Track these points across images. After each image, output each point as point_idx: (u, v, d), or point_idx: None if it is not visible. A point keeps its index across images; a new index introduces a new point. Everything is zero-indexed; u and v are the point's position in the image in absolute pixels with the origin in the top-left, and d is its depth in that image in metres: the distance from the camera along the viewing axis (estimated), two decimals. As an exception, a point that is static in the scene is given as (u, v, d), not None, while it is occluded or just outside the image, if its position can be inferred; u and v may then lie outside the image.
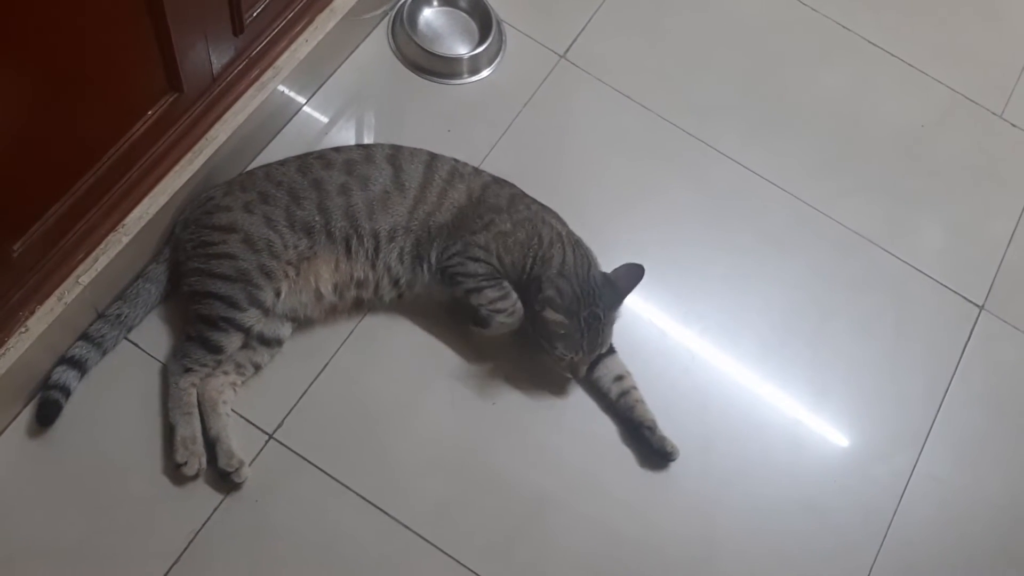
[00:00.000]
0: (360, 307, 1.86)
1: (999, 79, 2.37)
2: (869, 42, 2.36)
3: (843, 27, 2.37)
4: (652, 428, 1.82)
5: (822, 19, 2.37)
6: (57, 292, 1.65)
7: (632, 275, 1.81)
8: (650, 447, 1.83)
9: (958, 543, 1.89)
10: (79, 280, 1.66)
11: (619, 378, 1.85)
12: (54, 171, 1.51)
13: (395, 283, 1.83)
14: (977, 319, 2.08)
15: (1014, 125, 2.32)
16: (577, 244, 1.89)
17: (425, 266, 1.82)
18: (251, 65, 1.85)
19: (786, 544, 1.82)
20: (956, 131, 2.30)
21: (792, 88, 2.29)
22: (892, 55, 2.35)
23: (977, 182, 2.25)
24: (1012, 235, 2.19)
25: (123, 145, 1.60)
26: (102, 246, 1.69)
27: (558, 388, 1.87)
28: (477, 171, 1.92)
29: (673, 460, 1.83)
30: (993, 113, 2.33)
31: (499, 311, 1.79)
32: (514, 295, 1.79)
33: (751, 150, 2.17)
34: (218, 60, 1.74)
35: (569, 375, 1.83)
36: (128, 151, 1.62)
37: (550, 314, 1.74)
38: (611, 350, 1.87)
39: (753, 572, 1.80)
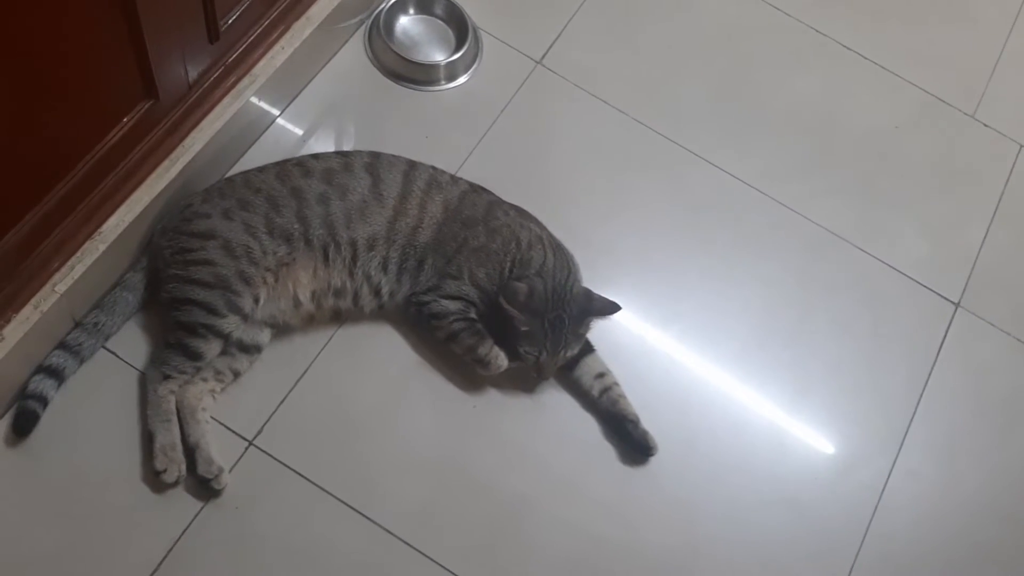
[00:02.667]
0: (338, 318, 1.86)
1: (971, 80, 2.40)
2: (842, 45, 2.39)
3: (816, 31, 2.39)
4: (635, 422, 1.83)
5: (795, 23, 2.40)
6: (33, 300, 1.64)
7: (607, 306, 1.83)
8: (632, 441, 1.83)
9: (938, 538, 1.90)
10: (55, 288, 1.66)
11: (600, 375, 1.86)
12: (29, 178, 1.51)
13: (376, 292, 1.84)
14: (953, 316, 2.10)
15: (986, 125, 2.34)
16: (558, 248, 1.90)
17: (409, 277, 1.82)
18: (227, 73, 1.85)
19: (767, 542, 1.83)
20: (929, 132, 2.32)
21: (767, 91, 2.31)
22: (865, 58, 2.38)
23: (951, 181, 2.27)
24: (986, 233, 2.21)
25: (99, 152, 1.60)
26: (79, 254, 1.68)
27: (538, 389, 1.88)
28: (455, 179, 1.93)
29: (653, 455, 1.83)
30: (965, 114, 2.35)
31: (478, 360, 1.80)
32: (490, 340, 1.80)
33: (727, 153, 2.19)
34: (194, 68, 1.74)
35: (536, 375, 1.84)
36: (104, 158, 1.62)
37: (506, 306, 1.75)
38: (590, 348, 1.88)
39: (734, 570, 1.80)
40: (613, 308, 1.83)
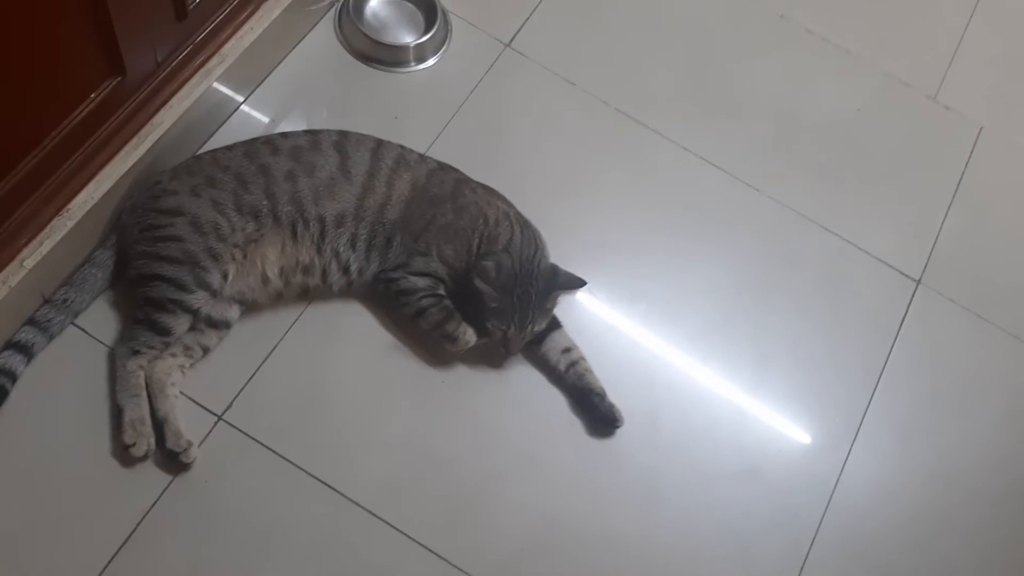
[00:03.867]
0: (307, 295, 1.88)
1: (932, 62, 2.44)
2: (805, 29, 2.42)
3: (779, 16, 2.43)
4: (601, 395, 1.86)
5: (759, 7, 2.43)
6: (1, 275, 1.65)
7: (573, 281, 1.86)
8: (598, 414, 1.86)
9: (898, 511, 1.93)
10: (23, 264, 1.67)
11: (567, 350, 1.89)
12: (-6, 152, 1.52)
13: (344, 270, 1.85)
14: (914, 293, 2.14)
15: (947, 108, 2.39)
16: (526, 225, 1.93)
17: (378, 254, 1.84)
18: (196, 51, 1.86)
19: (730, 513, 1.86)
20: (891, 114, 2.36)
21: (731, 74, 2.34)
22: (827, 40, 2.41)
23: (912, 162, 2.31)
24: (947, 211, 2.25)
25: (66, 127, 1.61)
26: (47, 230, 1.69)
27: (506, 365, 1.90)
28: (423, 157, 1.95)
29: (619, 427, 1.86)
30: (927, 96, 2.39)
31: (446, 336, 1.82)
32: (458, 316, 1.83)
33: (692, 134, 2.22)
34: (161, 46, 1.76)
35: (503, 350, 1.86)
36: (71, 134, 1.63)
37: (480, 284, 1.78)
38: (557, 324, 1.90)
39: (697, 543, 1.83)
40: (579, 283, 1.86)
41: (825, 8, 2.46)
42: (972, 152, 2.34)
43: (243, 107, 2.05)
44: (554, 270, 1.86)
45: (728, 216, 2.15)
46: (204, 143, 1.98)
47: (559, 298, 1.87)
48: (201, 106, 1.89)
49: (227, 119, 2.02)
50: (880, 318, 2.11)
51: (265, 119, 2.06)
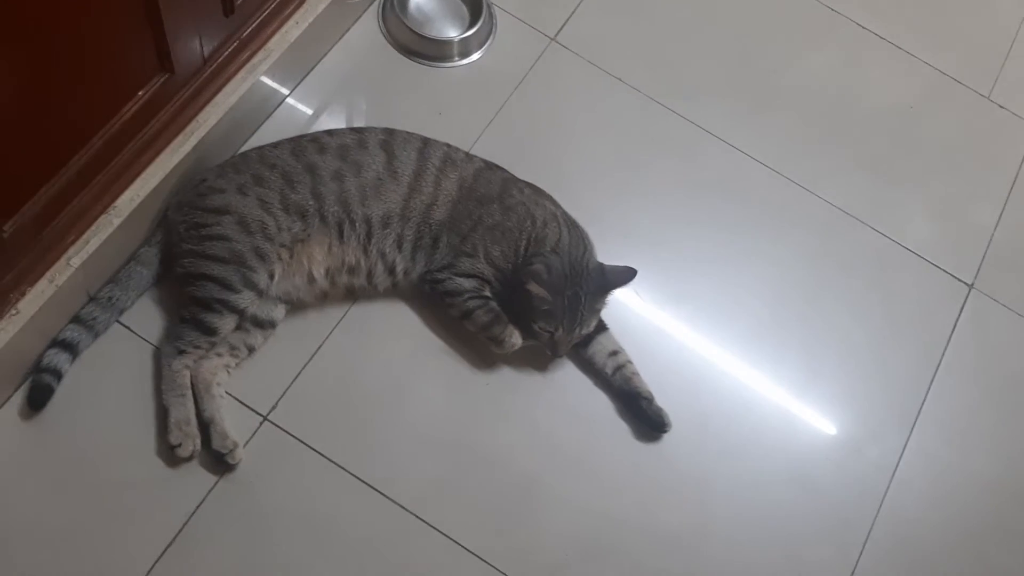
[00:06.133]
0: (352, 295, 1.86)
1: (987, 61, 2.39)
2: (858, 24, 2.37)
3: (832, 9, 2.38)
4: (649, 399, 1.84)
5: (811, 2, 2.38)
6: (48, 274, 1.64)
7: (622, 274, 1.82)
8: (646, 418, 1.84)
9: (950, 518, 1.90)
10: (70, 262, 1.66)
11: (614, 353, 1.86)
12: (44, 151, 1.50)
13: (390, 270, 1.83)
14: (967, 298, 2.10)
15: (1002, 106, 2.34)
16: (573, 225, 1.90)
17: (424, 255, 1.82)
18: (242, 47, 1.84)
19: (779, 520, 1.84)
20: (944, 112, 2.31)
21: (781, 69, 2.30)
22: (880, 37, 2.36)
23: (965, 162, 2.26)
24: (1001, 214, 2.20)
25: (114, 126, 1.60)
26: (93, 228, 1.68)
27: (551, 368, 1.88)
28: (469, 156, 1.92)
29: (667, 431, 1.84)
30: (981, 95, 2.34)
31: (492, 339, 1.80)
32: (504, 318, 1.80)
33: (740, 130, 2.18)
34: (208, 41, 1.73)
35: (550, 352, 1.83)
36: (119, 132, 1.61)
37: (534, 287, 1.75)
38: (603, 327, 1.88)
39: (746, 549, 1.81)
40: (629, 275, 1.82)
41: (877, 3, 2.41)
42: (1027, 152, 2.29)
43: (287, 101, 2.03)
44: (601, 269, 1.83)
45: (777, 215, 2.12)
46: (249, 138, 1.96)
47: (608, 299, 1.84)
48: (246, 102, 1.87)
49: (271, 114, 2.00)
50: (932, 322, 2.07)
51: (309, 111, 2.04)
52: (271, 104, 2.00)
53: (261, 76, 1.88)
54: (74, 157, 1.56)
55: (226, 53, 1.80)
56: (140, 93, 1.62)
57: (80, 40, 1.42)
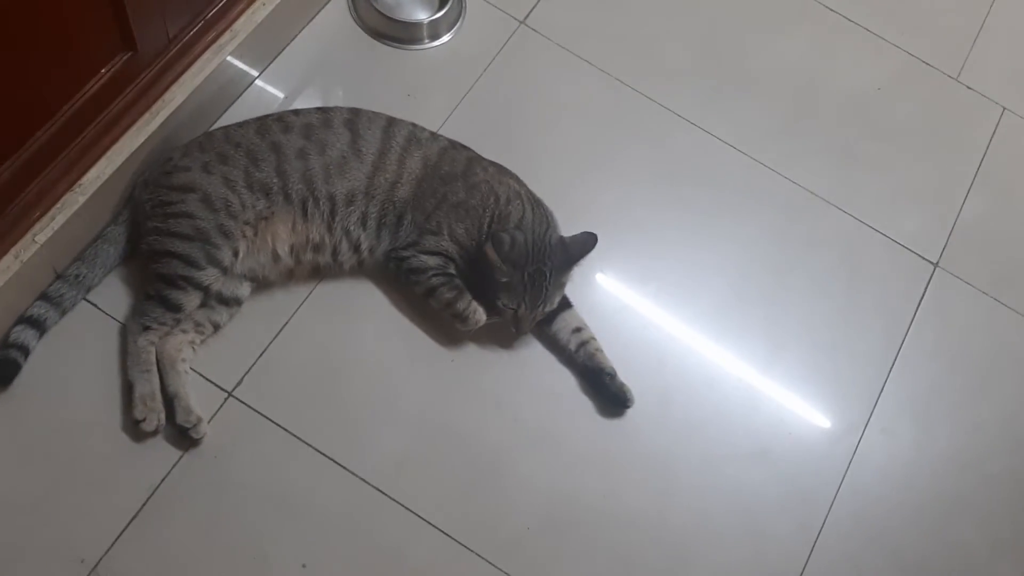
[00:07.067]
0: (318, 273, 1.87)
1: (955, 42, 2.40)
2: (826, 7, 2.39)
3: (801, -8, 2.40)
4: (612, 375, 1.85)
5: (780, -15, 2.40)
6: (13, 250, 1.65)
7: (585, 242, 1.83)
8: (609, 394, 1.85)
9: (911, 495, 1.92)
10: (35, 239, 1.67)
11: (577, 330, 1.88)
12: (5, 126, 1.52)
13: (355, 248, 1.85)
14: (931, 277, 2.11)
15: (969, 88, 2.35)
16: (537, 203, 1.91)
17: (388, 232, 1.84)
18: (207, 27, 1.86)
19: (742, 494, 1.85)
20: (912, 94, 2.33)
21: (750, 53, 2.31)
22: (849, 20, 2.38)
23: (933, 143, 2.28)
24: (967, 194, 2.22)
25: (77, 102, 1.61)
26: (58, 205, 1.70)
27: (516, 344, 1.89)
28: (434, 136, 1.94)
29: (629, 406, 1.86)
30: (949, 76, 2.36)
31: (456, 315, 1.82)
32: (468, 295, 1.82)
33: (709, 113, 2.20)
34: (173, 20, 1.75)
35: (514, 329, 1.85)
36: (82, 109, 1.63)
37: (491, 253, 1.77)
38: (567, 304, 1.89)
39: (708, 524, 1.82)
40: (591, 241, 1.82)
41: (846, -14, 2.42)
42: (994, 134, 2.30)
43: (256, 83, 2.04)
44: (562, 242, 1.84)
45: (744, 196, 2.13)
46: (218, 118, 1.98)
47: (571, 274, 1.85)
48: (214, 82, 1.89)
49: (240, 95, 2.02)
50: (897, 301, 2.08)
51: (279, 95, 2.05)
52: (240, 86, 2.02)
53: (228, 57, 1.89)
54: (36, 133, 1.58)
55: (191, 33, 1.82)
56: (103, 71, 1.64)
57: (35, 15, 1.44)
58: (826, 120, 2.26)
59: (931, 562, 1.87)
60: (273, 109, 2.00)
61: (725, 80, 2.26)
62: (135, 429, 1.69)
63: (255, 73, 2.04)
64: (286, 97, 2.06)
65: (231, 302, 1.80)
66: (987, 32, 2.43)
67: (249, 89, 2.03)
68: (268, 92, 2.05)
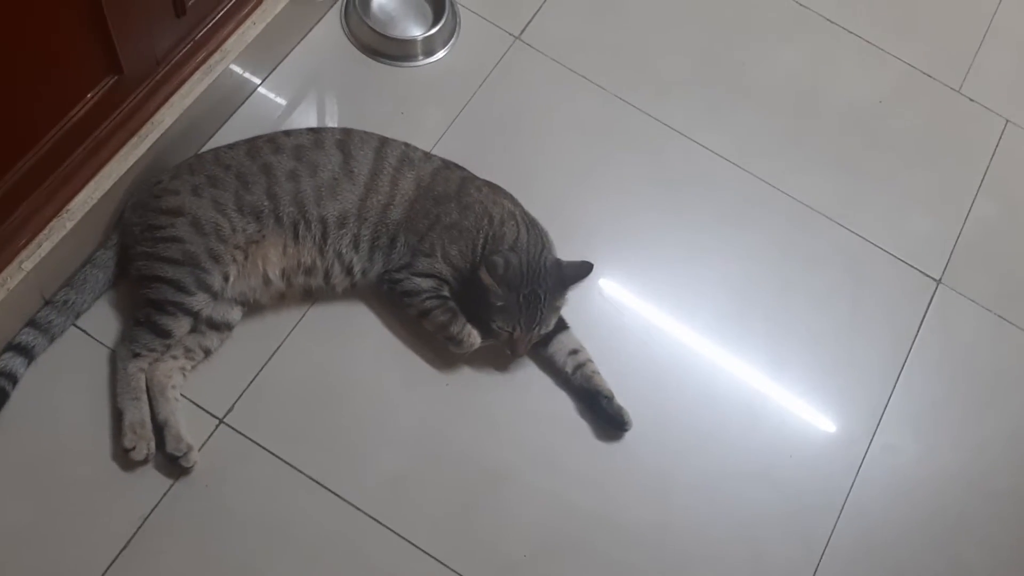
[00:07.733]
0: (310, 296, 1.85)
1: (957, 54, 2.37)
2: (826, 19, 2.36)
3: (799, 3, 2.36)
4: (610, 398, 1.83)
5: (778, -4, 2.37)
6: (0, 277, 1.63)
7: (580, 269, 1.81)
8: (606, 416, 1.83)
9: (915, 513, 1.89)
10: (22, 266, 1.65)
11: (574, 352, 1.85)
12: (-11, 152, 1.50)
13: (348, 271, 1.82)
14: (935, 293, 2.08)
15: (972, 100, 2.32)
16: (532, 224, 1.89)
17: (381, 255, 1.81)
18: (196, 48, 1.83)
19: (742, 514, 1.82)
20: (914, 106, 2.30)
21: (748, 66, 2.28)
22: (849, 31, 2.35)
23: (935, 157, 2.25)
24: (970, 209, 2.19)
25: (63, 127, 1.59)
26: (45, 231, 1.67)
27: (512, 367, 1.87)
28: (428, 156, 1.91)
29: (627, 430, 1.83)
30: (951, 88, 2.32)
31: (450, 338, 1.79)
32: (462, 317, 1.79)
33: (707, 128, 2.17)
34: (160, 42, 1.73)
35: (509, 352, 1.82)
36: (69, 133, 1.61)
37: (486, 277, 1.74)
38: (564, 326, 1.87)
39: (710, 542, 1.80)
40: (585, 269, 1.81)
41: (845, -3, 2.40)
42: (997, 147, 2.27)
43: (248, 102, 2.02)
44: (558, 264, 1.82)
45: (743, 211, 2.10)
46: (209, 140, 1.95)
47: (567, 296, 1.83)
48: (203, 103, 1.86)
49: (232, 115, 1.99)
50: (899, 318, 2.05)
51: (271, 113, 2.03)
52: (231, 106, 1.99)
53: (217, 80, 1.87)
54: (22, 159, 1.55)
55: (180, 54, 1.79)
56: (89, 95, 1.61)
57: (19, 40, 1.41)
58: (827, 134, 2.23)
59: (935, 583, 1.84)
60: (265, 129, 1.97)
61: (723, 94, 2.23)
62: (125, 457, 1.67)
63: (247, 93, 2.01)
64: (278, 115, 2.04)
65: (222, 327, 1.77)
66: (989, 43, 2.39)
67: (241, 109, 2.01)
68: (260, 112, 2.02)
